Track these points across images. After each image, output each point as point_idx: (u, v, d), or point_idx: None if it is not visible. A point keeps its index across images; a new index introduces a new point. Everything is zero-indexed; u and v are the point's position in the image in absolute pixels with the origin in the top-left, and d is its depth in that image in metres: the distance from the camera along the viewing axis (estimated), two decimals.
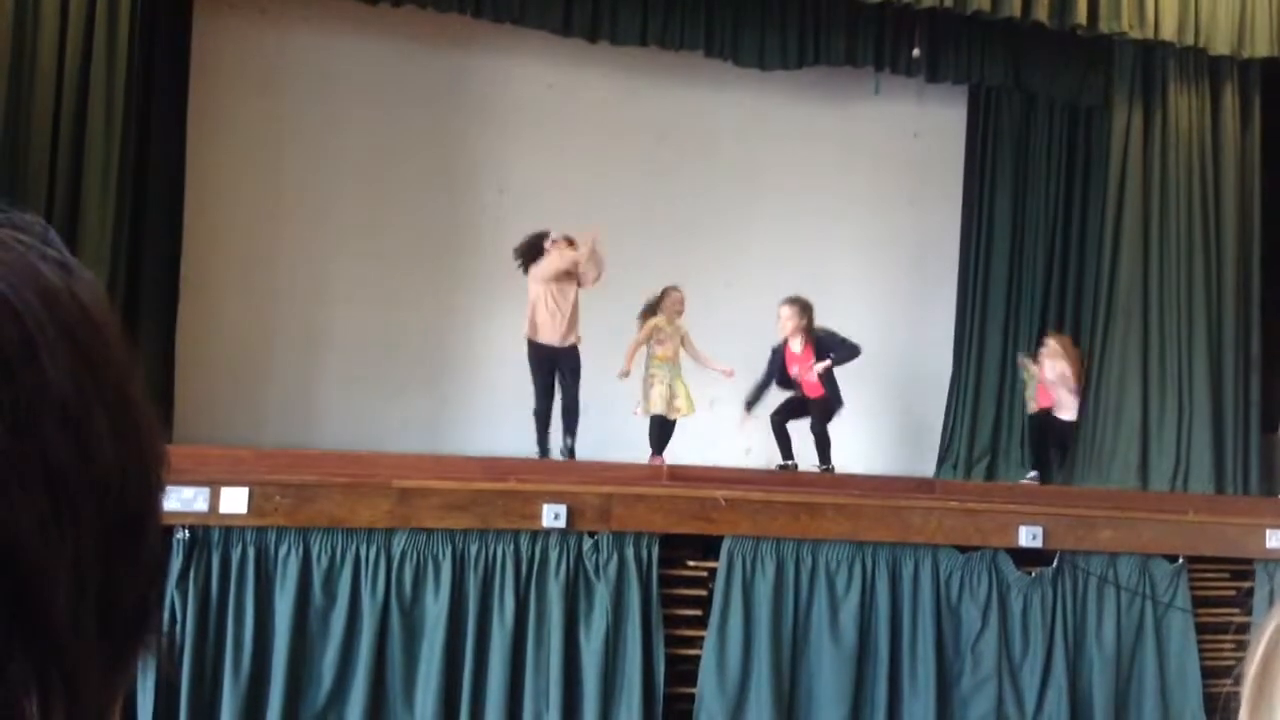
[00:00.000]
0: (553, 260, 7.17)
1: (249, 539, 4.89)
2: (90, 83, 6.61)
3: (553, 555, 5.23)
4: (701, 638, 5.50)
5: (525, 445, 7.50)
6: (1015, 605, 5.85)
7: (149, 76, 7.18)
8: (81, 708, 0.47)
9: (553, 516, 5.21)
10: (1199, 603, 6.00)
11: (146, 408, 0.53)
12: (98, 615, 0.48)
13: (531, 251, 7.25)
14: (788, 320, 7.44)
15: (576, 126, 8.73)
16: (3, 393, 0.45)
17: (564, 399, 7.14)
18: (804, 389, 7.46)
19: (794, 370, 7.47)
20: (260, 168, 8.17)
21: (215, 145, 7.91)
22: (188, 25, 7.76)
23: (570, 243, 7.20)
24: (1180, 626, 5.95)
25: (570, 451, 7.03)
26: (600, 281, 7.25)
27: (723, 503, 5.49)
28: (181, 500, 4.79)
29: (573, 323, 7.20)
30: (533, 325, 7.16)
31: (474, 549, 5.14)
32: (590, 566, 5.29)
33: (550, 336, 7.13)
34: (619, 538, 5.33)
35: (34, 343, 0.46)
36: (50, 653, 0.45)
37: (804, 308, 7.44)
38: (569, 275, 7.19)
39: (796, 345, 7.48)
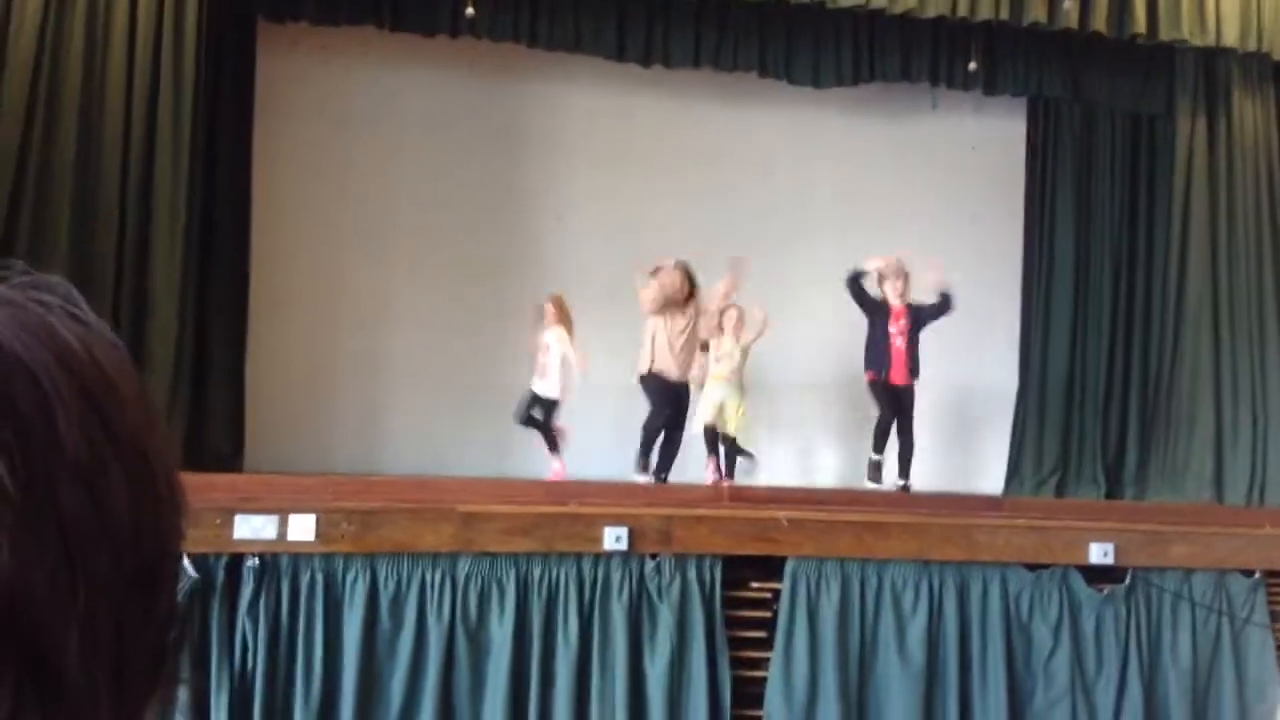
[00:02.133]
0: (648, 289, 7.02)
1: (317, 565, 4.97)
2: (158, 117, 6.79)
3: (615, 578, 5.24)
4: (767, 659, 5.47)
5: (586, 468, 7.52)
6: (1087, 624, 5.75)
7: (215, 110, 7.36)
8: None
9: (614, 539, 5.23)
10: (1277, 618, 5.85)
11: (164, 459, 0.54)
12: (110, 667, 0.49)
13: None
14: (900, 280, 7.18)
15: (632, 151, 8.77)
16: (18, 452, 0.46)
17: (668, 434, 7.00)
18: (892, 360, 7.12)
19: (895, 327, 7.14)
20: (324, 197, 8.31)
21: (280, 176, 8.07)
22: (252, 61, 7.94)
23: (683, 273, 7.01)
24: (1258, 642, 5.81)
25: (663, 479, 6.90)
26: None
27: (785, 524, 5.47)
28: (251, 528, 4.88)
29: (684, 358, 7.01)
30: (647, 355, 7.02)
31: (537, 572, 5.17)
32: (653, 589, 5.29)
33: (665, 368, 6.98)
34: (681, 560, 5.33)
35: (49, 402, 0.48)
36: (61, 704, 0.46)
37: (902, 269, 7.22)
38: (682, 306, 7.00)
39: (894, 302, 7.21)
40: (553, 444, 7.19)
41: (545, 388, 7.18)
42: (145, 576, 0.51)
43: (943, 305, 7.15)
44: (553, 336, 7.18)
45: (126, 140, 6.69)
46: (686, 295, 7.01)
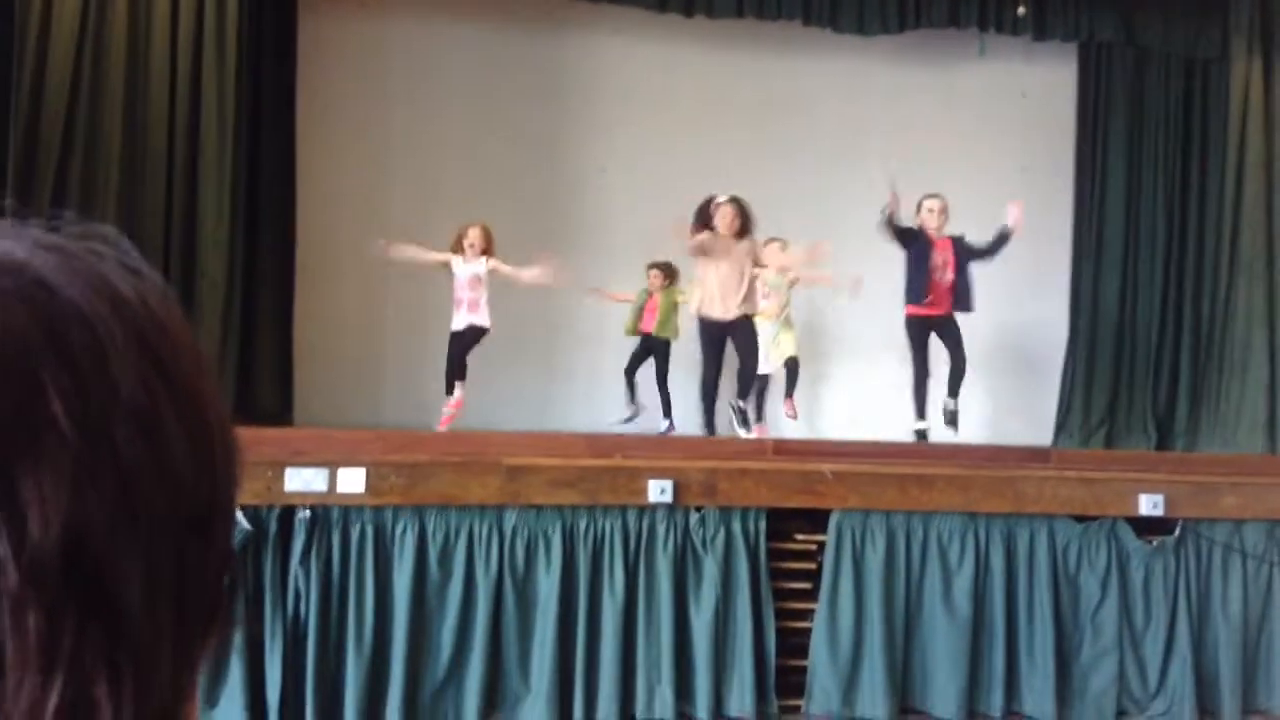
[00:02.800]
0: (689, 232, 6.85)
1: (367, 517, 5.05)
2: (202, 81, 6.85)
3: (660, 530, 5.28)
4: (812, 610, 5.49)
5: (632, 421, 7.56)
6: (1136, 575, 5.71)
7: (257, 72, 7.40)
8: (152, 694, 0.49)
9: (659, 491, 5.25)
10: None
11: (218, 407, 0.55)
12: (171, 607, 0.50)
13: (700, 220, 6.88)
14: (941, 213, 7.00)
15: (676, 101, 8.72)
16: (74, 397, 0.47)
17: (740, 367, 6.82)
18: (932, 291, 6.94)
19: (935, 259, 6.95)
20: (366, 154, 8.35)
21: (324, 134, 8.11)
22: (293, 21, 7.96)
23: (736, 208, 6.81)
24: None
25: (743, 414, 6.75)
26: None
27: (829, 476, 5.46)
28: (303, 481, 4.95)
29: (747, 296, 6.80)
30: (701, 299, 6.87)
31: (583, 524, 5.22)
32: (698, 540, 5.32)
33: (718, 311, 6.79)
34: (725, 512, 5.35)
35: (104, 348, 0.49)
36: (123, 640, 0.48)
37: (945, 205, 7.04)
38: (735, 241, 6.78)
39: (936, 233, 7.03)
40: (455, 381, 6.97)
41: (480, 319, 6.95)
42: (202, 519, 0.52)
43: (997, 243, 7.00)
44: (485, 266, 6.94)
45: (172, 102, 6.76)
46: (738, 231, 6.82)
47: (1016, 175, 8.95)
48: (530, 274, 6.91)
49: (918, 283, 6.97)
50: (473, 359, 7.02)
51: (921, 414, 7.04)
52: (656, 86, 8.73)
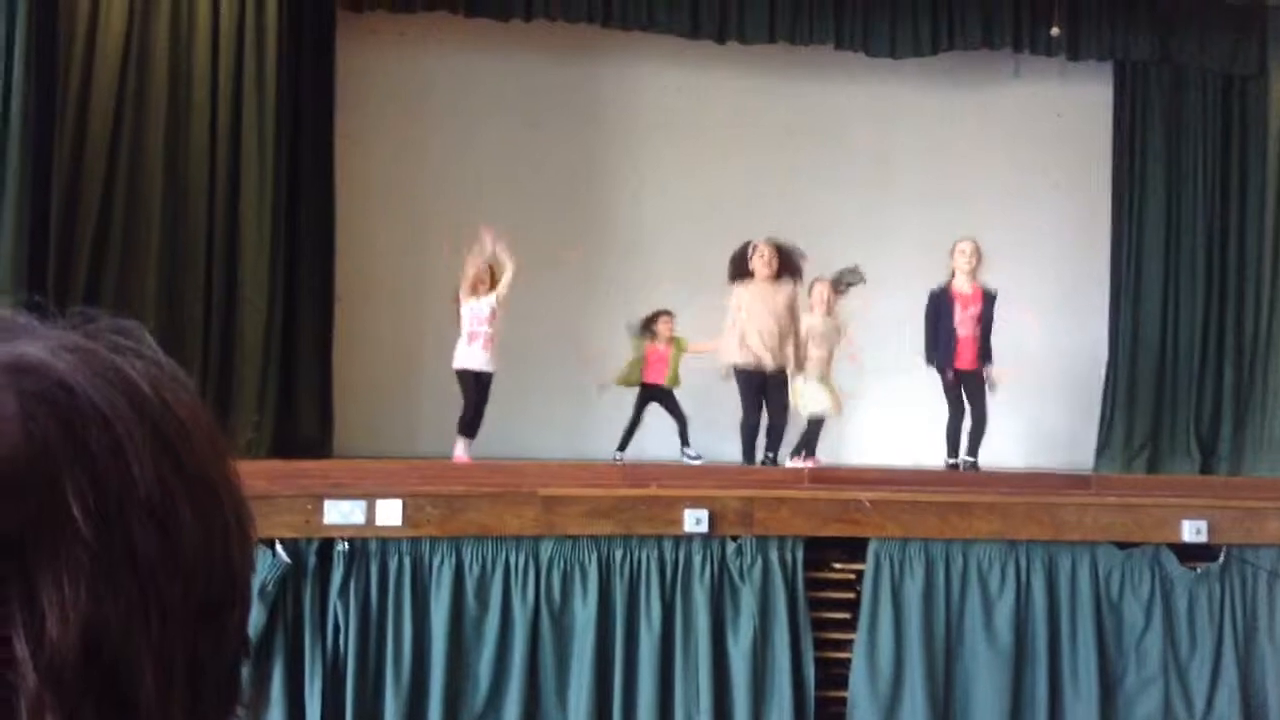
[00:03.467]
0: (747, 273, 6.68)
1: (404, 549, 5.07)
2: (243, 107, 6.95)
3: (696, 560, 5.27)
4: (851, 640, 5.46)
5: (666, 450, 7.55)
6: (1180, 603, 5.63)
7: (297, 99, 7.50)
8: None
9: (694, 521, 5.24)
10: None
11: (234, 494, 0.56)
12: (184, 697, 0.51)
13: (737, 266, 6.72)
14: (971, 257, 6.90)
15: (708, 127, 8.74)
16: (94, 497, 0.49)
17: (770, 418, 6.67)
18: (958, 349, 6.91)
19: (960, 314, 6.91)
20: (404, 183, 8.42)
21: (362, 163, 8.19)
22: (332, 50, 8.06)
23: (775, 250, 6.66)
24: None
25: (774, 464, 6.66)
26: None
27: (867, 505, 5.43)
28: (340, 513, 4.99)
29: (784, 345, 6.62)
30: (734, 344, 6.64)
31: (619, 554, 5.22)
32: (734, 570, 5.30)
33: (755, 360, 6.61)
34: (762, 541, 5.33)
35: (123, 447, 0.50)
36: None
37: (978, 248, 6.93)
38: (774, 284, 6.64)
39: (966, 285, 6.97)
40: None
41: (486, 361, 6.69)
42: (215, 607, 0.53)
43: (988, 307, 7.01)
44: (493, 300, 6.65)
45: (213, 131, 6.86)
46: (775, 273, 6.64)
47: (1052, 196, 8.90)
48: (510, 265, 6.60)
49: (945, 345, 6.95)
50: (504, 386, 7.03)
51: (954, 451, 7.03)
52: (689, 112, 8.76)
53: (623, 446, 7.39)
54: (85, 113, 6.44)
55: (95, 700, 0.47)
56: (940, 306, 7.00)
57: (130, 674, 0.48)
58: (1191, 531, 5.60)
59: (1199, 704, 5.58)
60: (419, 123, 8.45)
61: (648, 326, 7.47)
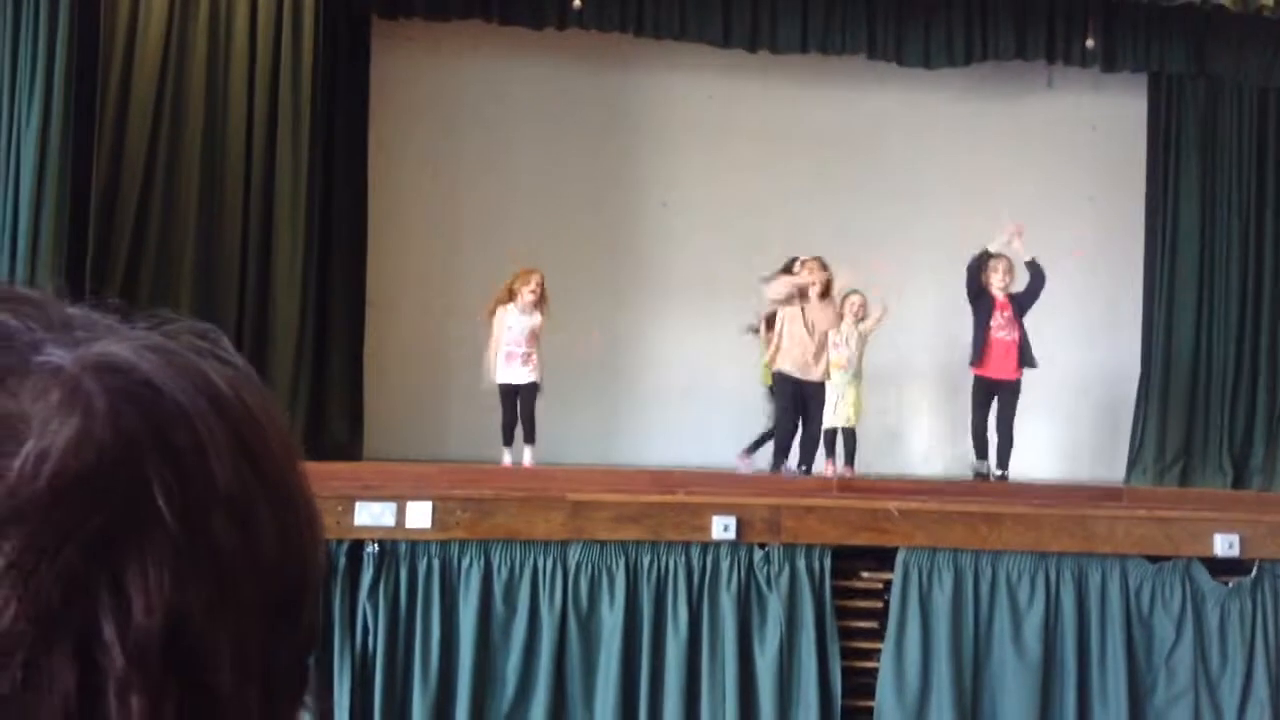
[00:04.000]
0: (780, 282, 6.93)
1: (434, 552, 5.10)
2: (278, 114, 7.03)
3: (724, 567, 5.27)
4: (878, 650, 5.44)
5: (695, 456, 7.56)
6: (1212, 617, 5.59)
7: (332, 107, 7.58)
8: None
9: (722, 528, 5.25)
10: None
11: (306, 494, 0.58)
12: (259, 686, 0.53)
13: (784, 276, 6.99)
14: (1007, 274, 7.06)
15: (739, 136, 8.75)
16: (177, 492, 0.51)
17: (805, 428, 6.87)
18: (991, 354, 7.00)
19: (997, 320, 7.03)
20: (437, 189, 8.48)
21: (395, 170, 8.26)
22: (366, 58, 8.13)
23: (820, 266, 6.92)
24: None
25: (805, 470, 6.77)
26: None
27: (896, 514, 5.42)
28: (371, 515, 5.03)
29: (819, 353, 6.87)
30: (776, 352, 6.92)
31: (646, 560, 5.23)
32: (762, 578, 5.30)
33: (793, 366, 6.86)
34: (790, 549, 5.33)
35: (204, 445, 0.52)
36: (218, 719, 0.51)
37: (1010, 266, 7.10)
38: (819, 301, 6.88)
39: (1000, 293, 7.10)
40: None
41: (536, 374, 6.70)
42: (289, 602, 0.55)
43: (1034, 281, 7.01)
44: (536, 319, 6.66)
45: (249, 137, 6.94)
46: (823, 290, 6.91)
47: (1086, 208, 8.86)
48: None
49: (980, 344, 7.05)
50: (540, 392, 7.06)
51: (982, 454, 7.02)
52: (720, 121, 8.78)
53: (753, 450, 7.32)
54: (124, 116, 6.53)
55: (178, 683, 0.49)
56: (985, 306, 7.02)
57: (210, 661, 0.50)
58: (1224, 545, 5.56)
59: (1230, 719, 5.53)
60: (452, 130, 8.51)
61: (770, 326, 7.43)
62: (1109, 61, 8.29)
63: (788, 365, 6.87)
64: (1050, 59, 8.32)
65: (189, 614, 0.50)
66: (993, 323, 7.03)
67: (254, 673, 0.53)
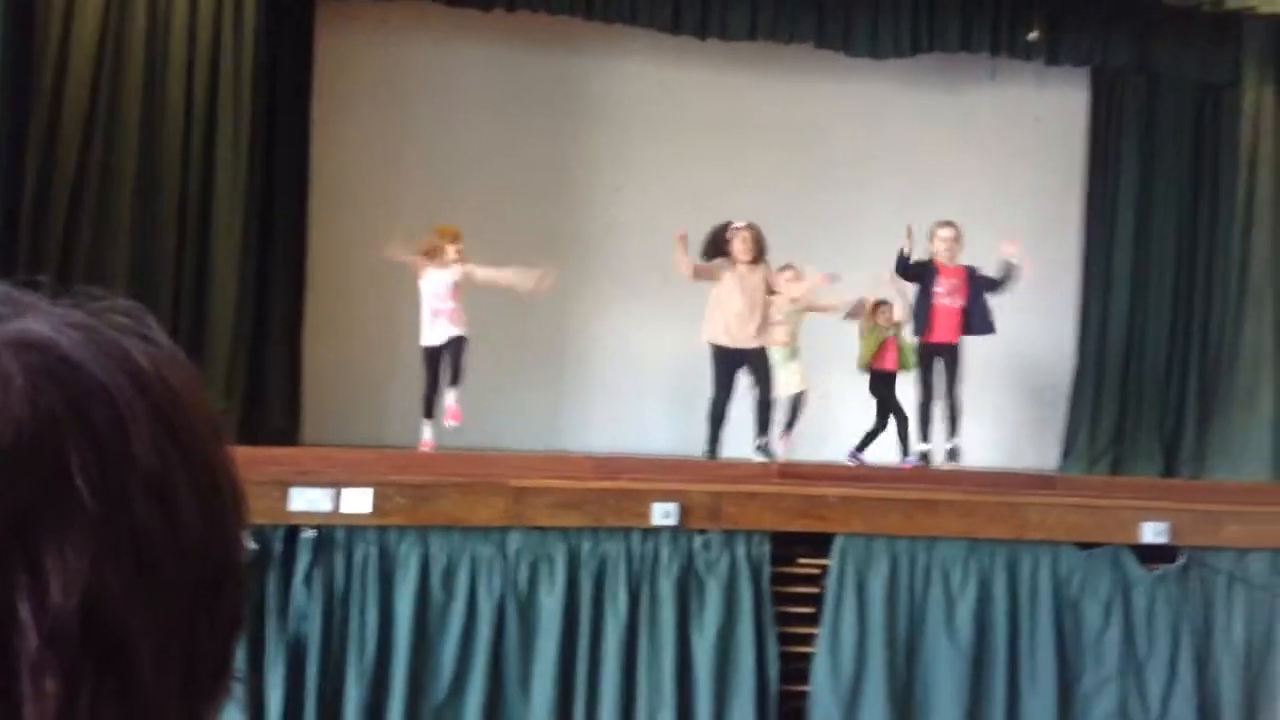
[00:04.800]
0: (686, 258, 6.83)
1: (371, 538, 5.08)
2: (219, 94, 6.92)
3: (664, 553, 5.30)
4: (814, 635, 5.51)
5: (638, 443, 7.58)
6: (1139, 603, 5.71)
7: (274, 86, 7.47)
8: None
9: (663, 515, 5.28)
10: None
11: (229, 472, 0.58)
12: (180, 669, 0.53)
13: (714, 245, 6.88)
14: (953, 242, 7.02)
15: (689, 122, 8.75)
16: (96, 470, 0.50)
17: (757, 399, 6.81)
18: (936, 320, 6.98)
19: (941, 287, 6.99)
20: (381, 172, 8.40)
21: (338, 151, 8.16)
22: (310, 37, 8.03)
23: (753, 234, 6.81)
24: None
25: (767, 450, 6.73)
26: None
27: (834, 501, 5.48)
28: (308, 501, 5.00)
29: (762, 324, 6.83)
30: (712, 325, 6.82)
31: (587, 547, 5.25)
32: (701, 565, 5.34)
33: (733, 339, 6.79)
34: (730, 536, 5.37)
35: (125, 422, 0.52)
36: (135, 703, 0.50)
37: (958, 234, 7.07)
38: (749, 267, 6.79)
39: (949, 262, 7.05)
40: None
41: (462, 329, 6.65)
42: (211, 583, 0.55)
43: (1004, 278, 7.07)
44: (458, 273, 6.62)
45: (188, 117, 6.83)
46: (753, 258, 6.83)
47: (1027, 197, 8.97)
48: (510, 276, 6.66)
49: (922, 312, 7.05)
50: (479, 376, 7.05)
51: (925, 436, 7.07)
52: (671, 107, 8.77)
53: (862, 448, 7.31)
54: (60, 95, 6.41)
55: (94, 665, 0.49)
56: (928, 277, 7.05)
57: (129, 642, 0.50)
58: (1152, 533, 5.68)
59: (1155, 704, 5.66)
60: (398, 111, 8.43)
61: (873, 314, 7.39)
62: (1052, 55, 8.39)
63: (721, 336, 6.82)
64: (994, 51, 8.40)
65: (107, 595, 0.49)
66: (937, 289, 7.03)
67: (174, 656, 0.52)
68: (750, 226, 6.88)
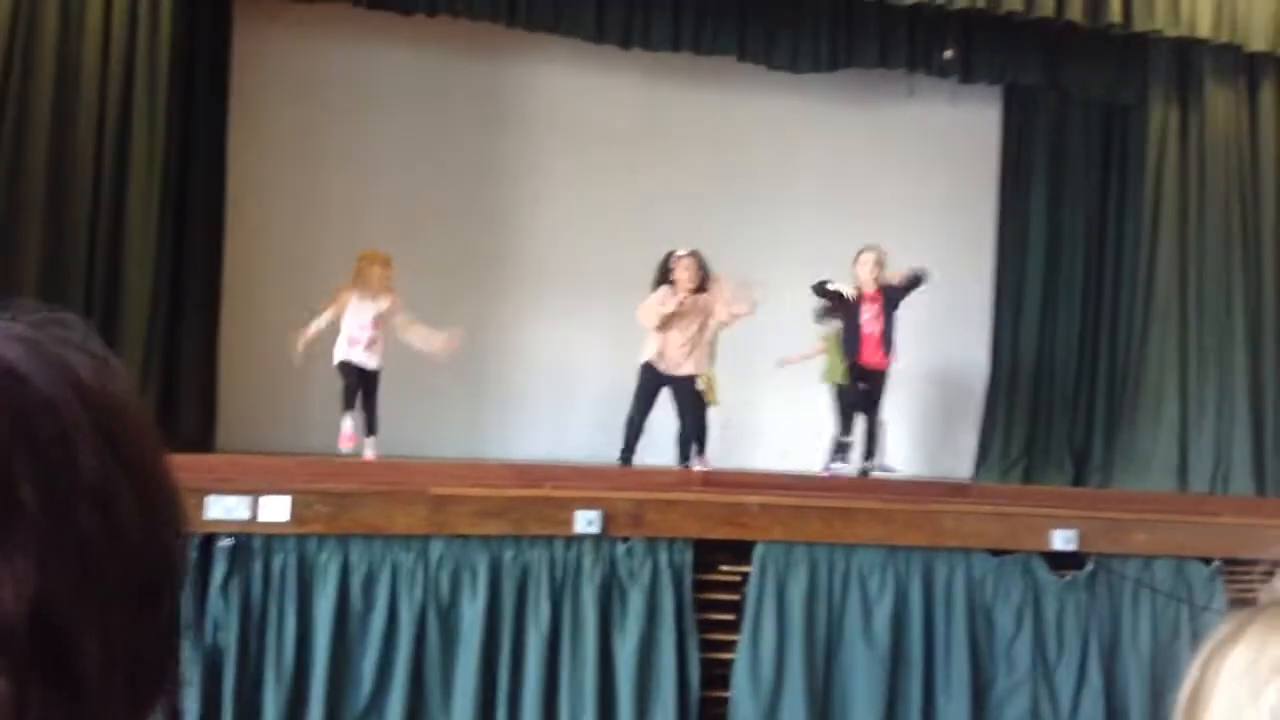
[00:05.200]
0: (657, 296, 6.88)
1: (290, 547, 5.00)
2: (133, 97, 6.75)
3: (587, 561, 5.29)
4: (735, 641, 5.54)
5: (560, 451, 7.57)
6: (1049, 609, 5.85)
7: (190, 86, 7.32)
8: None
9: (586, 523, 5.27)
10: (1236, 607, 5.95)
11: (170, 482, 0.59)
12: (124, 672, 0.54)
13: (662, 274, 6.96)
14: (875, 266, 7.12)
15: (612, 132, 8.78)
16: (42, 481, 0.51)
17: (681, 428, 6.91)
18: (863, 350, 7.15)
19: (868, 313, 7.15)
20: (299, 176, 8.29)
21: (255, 154, 8.03)
22: (227, 37, 7.89)
23: (696, 262, 6.86)
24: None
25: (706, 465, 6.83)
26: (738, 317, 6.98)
27: (755, 508, 5.53)
28: (224, 509, 4.90)
29: (695, 352, 6.89)
30: (652, 346, 6.89)
31: (509, 555, 5.22)
32: (624, 572, 5.35)
33: (666, 363, 6.88)
34: (652, 543, 5.39)
35: (69, 434, 0.53)
36: (82, 705, 0.51)
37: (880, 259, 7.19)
38: (693, 296, 6.87)
39: (870, 286, 7.20)
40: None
41: (378, 361, 6.66)
42: (153, 588, 0.56)
43: (913, 282, 7.22)
44: (385, 304, 6.60)
45: (101, 116, 6.66)
46: (695, 286, 6.90)
47: (941, 212, 9.16)
48: (422, 336, 6.67)
49: (852, 342, 7.22)
50: (399, 385, 6.98)
51: (846, 430, 7.23)
52: (593, 117, 8.79)
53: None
54: None
55: (42, 667, 0.50)
56: (850, 309, 7.21)
57: (75, 646, 0.51)
58: (1062, 540, 5.82)
59: (1065, 707, 5.79)
60: (316, 113, 8.32)
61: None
62: (966, 73, 8.58)
63: (657, 359, 6.90)
64: (911, 68, 8.57)
65: (54, 601, 0.51)
66: (863, 315, 7.19)
67: (119, 658, 0.54)
68: (693, 254, 6.93)
